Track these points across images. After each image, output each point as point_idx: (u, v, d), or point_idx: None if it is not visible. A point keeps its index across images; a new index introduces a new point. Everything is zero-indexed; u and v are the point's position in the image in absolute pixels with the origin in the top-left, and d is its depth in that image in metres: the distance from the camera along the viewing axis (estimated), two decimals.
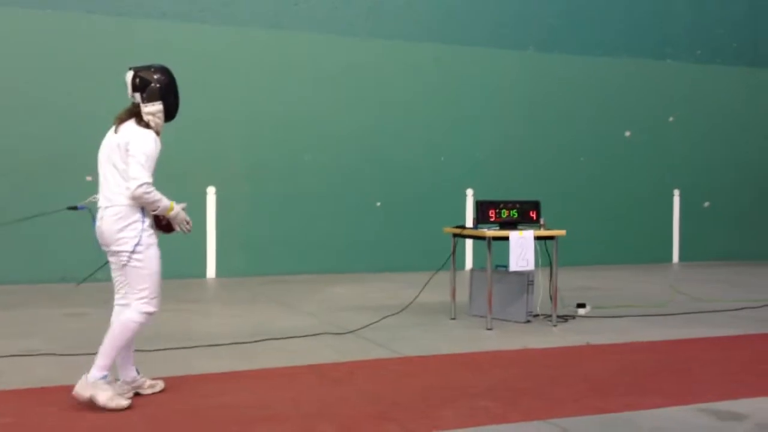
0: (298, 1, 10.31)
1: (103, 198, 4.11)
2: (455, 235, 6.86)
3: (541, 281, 6.82)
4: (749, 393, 4.41)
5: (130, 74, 4.13)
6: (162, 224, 4.18)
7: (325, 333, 6.11)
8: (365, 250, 10.55)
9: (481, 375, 4.84)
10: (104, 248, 4.16)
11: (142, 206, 4.05)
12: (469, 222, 9.97)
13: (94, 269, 4.90)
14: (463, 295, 7.21)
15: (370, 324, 6.38)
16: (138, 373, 4.27)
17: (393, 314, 6.73)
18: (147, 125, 4.10)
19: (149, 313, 4.08)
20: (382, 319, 6.56)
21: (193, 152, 9.65)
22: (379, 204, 10.69)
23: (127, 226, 4.02)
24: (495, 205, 6.68)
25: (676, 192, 12.36)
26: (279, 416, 3.94)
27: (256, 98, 10.06)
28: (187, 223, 4.22)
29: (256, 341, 5.67)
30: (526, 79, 11.44)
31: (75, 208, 4.31)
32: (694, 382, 4.74)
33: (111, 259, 4.18)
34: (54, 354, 5.24)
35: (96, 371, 3.96)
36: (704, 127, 12.52)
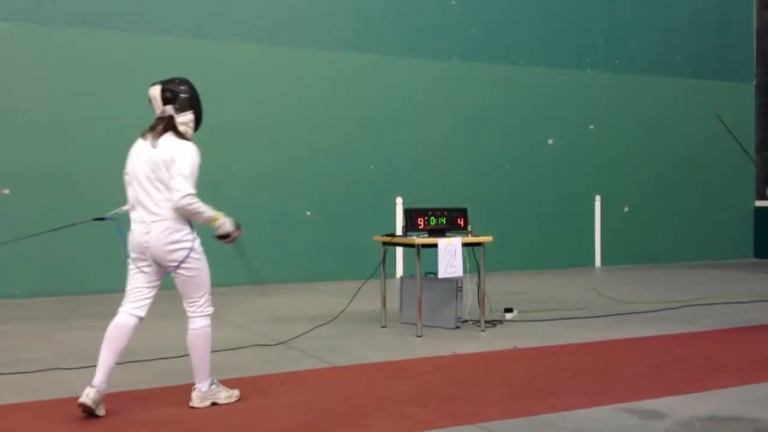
0: (220, 9, 10.20)
1: (145, 213, 4.16)
2: (385, 244, 6.89)
3: (470, 287, 6.92)
4: (668, 391, 4.57)
5: (157, 88, 4.21)
6: (219, 235, 4.33)
7: (256, 345, 6.04)
8: (296, 260, 10.48)
9: (410, 382, 4.87)
10: (140, 259, 4.18)
11: (186, 217, 4.14)
12: (399, 230, 10.03)
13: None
14: (393, 303, 7.24)
15: (301, 335, 6.34)
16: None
17: (324, 324, 6.70)
18: (184, 136, 4.20)
19: (211, 313, 4.42)
20: (312, 329, 6.52)
21: (113, 164, 9.37)
22: (309, 213, 10.64)
23: (180, 238, 4.15)
24: (423, 212, 6.74)
25: (598, 197, 12.75)
26: (205, 429, 3.87)
27: None
28: (237, 228, 4.37)
29: (181, 356, 5.53)
30: (452, 88, 11.59)
31: (102, 219, 4.39)
32: (615, 382, 4.89)
33: (147, 269, 4.20)
34: None
35: (203, 383, 4.29)
36: (623, 134, 12.96)
